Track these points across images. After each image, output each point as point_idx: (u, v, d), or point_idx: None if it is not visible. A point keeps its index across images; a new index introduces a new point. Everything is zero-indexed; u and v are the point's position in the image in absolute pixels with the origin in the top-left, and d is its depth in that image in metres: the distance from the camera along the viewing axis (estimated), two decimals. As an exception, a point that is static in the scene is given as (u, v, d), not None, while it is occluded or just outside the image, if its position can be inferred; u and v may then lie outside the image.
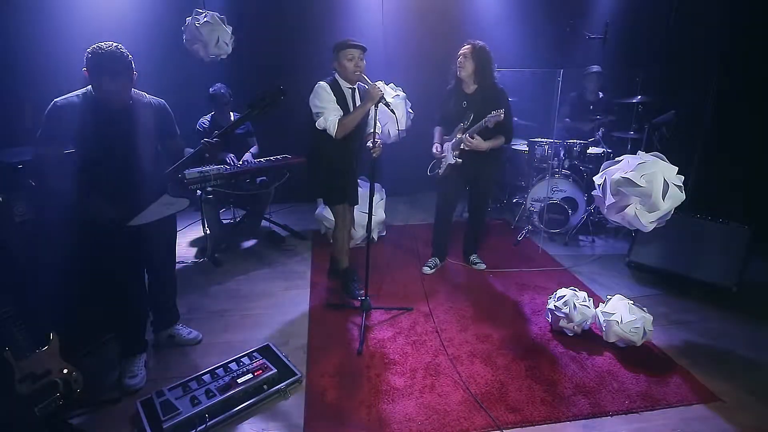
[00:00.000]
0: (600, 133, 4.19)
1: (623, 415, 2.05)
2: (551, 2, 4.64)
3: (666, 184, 2.32)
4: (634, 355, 2.44)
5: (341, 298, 3.01)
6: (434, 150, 3.15)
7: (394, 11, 4.51)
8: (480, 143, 2.91)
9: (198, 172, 3.18)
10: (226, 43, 3.50)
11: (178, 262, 2.84)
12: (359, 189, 3.11)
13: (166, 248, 2.41)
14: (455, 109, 3.03)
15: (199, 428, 1.88)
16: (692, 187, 3.52)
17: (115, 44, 1.89)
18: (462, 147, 2.96)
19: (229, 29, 3.52)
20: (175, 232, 2.44)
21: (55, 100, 1.94)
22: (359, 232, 3.71)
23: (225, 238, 3.82)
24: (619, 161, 2.53)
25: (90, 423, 1.98)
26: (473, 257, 3.52)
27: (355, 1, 4.48)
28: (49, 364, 1.77)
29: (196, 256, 3.72)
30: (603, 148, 4.12)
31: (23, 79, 3.31)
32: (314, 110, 2.59)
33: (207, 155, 2.21)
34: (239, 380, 2.09)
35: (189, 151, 2.37)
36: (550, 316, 2.65)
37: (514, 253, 3.80)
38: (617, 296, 2.59)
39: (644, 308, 2.49)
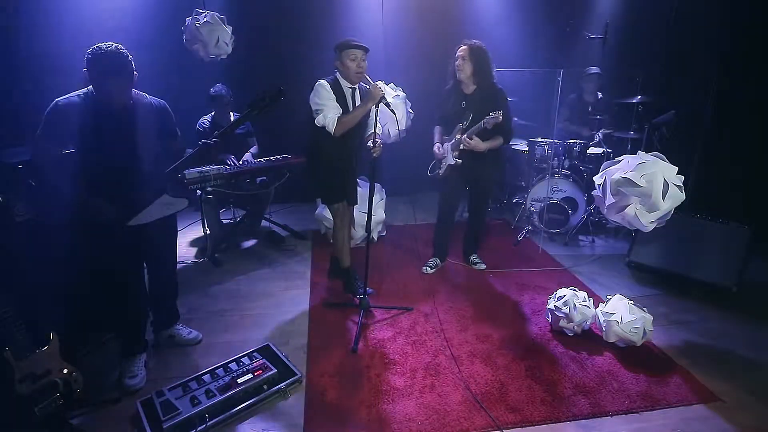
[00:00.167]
0: (600, 134, 4.18)
1: (623, 415, 2.05)
2: (551, 2, 4.64)
3: (666, 184, 2.32)
4: (634, 355, 2.44)
5: (341, 298, 3.01)
6: (435, 150, 3.15)
7: (394, 11, 4.50)
8: (478, 144, 2.91)
9: (198, 172, 3.18)
10: (226, 43, 3.50)
11: (178, 262, 2.83)
12: (359, 189, 3.11)
13: (167, 248, 2.41)
14: (454, 109, 3.03)
15: (199, 428, 1.88)
16: (692, 187, 3.53)
17: (114, 45, 1.89)
18: (461, 147, 2.96)
19: (229, 29, 3.52)
20: (176, 232, 2.44)
21: (56, 99, 1.94)
22: (359, 232, 3.71)
23: (225, 238, 3.82)
24: (619, 161, 2.53)
25: (90, 423, 1.98)
26: (473, 257, 3.52)
27: (355, 1, 4.47)
28: (49, 364, 1.76)
29: (196, 256, 3.72)
30: (603, 148, 4.12)
31: (23, 79, 3.31)
32: (314, 107, 2.60)
33: (207, 155, 2.21)
34: (239, 380, 2.09)
35: (189, 151, 2.37)
36: (550, 316, 2.65)
37: (514, 253, 3.80)
38: (617, 296, 2.59)
39: (644, 308, 2.49)
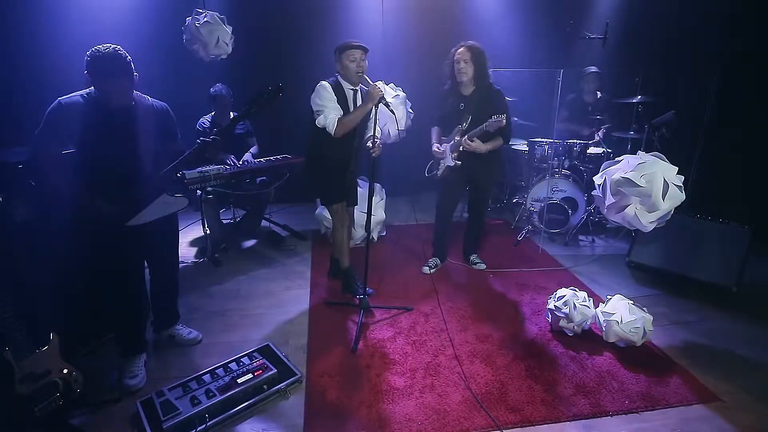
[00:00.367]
0: (600, 133, 4.19)
1: (623, 415, 2.05)
2: (551, 2, 4.64)
3: (666, 184, 2.32)
4: (634, 355, 2.44)
5: (341, 298, 3.02)
6: (434, 149, 3.15)
7: (394, 11, 4.51)
8: (479, 146, 2.91)
9: (198, 172, 3.18)
10: (226, 43, 3.50)
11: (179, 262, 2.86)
12: (359, 189, 3.11)
13: (168, 248, 2.41)
14: (452, 110, 3.03)
15: (199, 428, 1.88)
16: (692, 187, 3.53)
17: (113, 46, 1.89)
18: (461, 148, 2.96)
19: (229, 29, 3.52)
20: (177, 232, 2.45)
21: (59, 98, 1.94)
22: (359, 232, 3.71)
23: (225, 238, 3.82)
24: (619, 161, 2.53)
25: (90, 423, 1.98)
26: (473, 257, 3.52)
27: (355, 1, 4.48)
28: (49, 364, 1.76)
29: (196, 256, 3.72)
30: (603, 148, 4.12)
31: (23, 79, 3.31)
32: (315, 108, 2.60)
33: (206, 155, 2.21)
34: (239, 380, 2.09)
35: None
36: (550, 316, 2.65)
37: (514, 253, 3.80)
38: (617, 296, 2.59)
39: (644, 308, 2.49)
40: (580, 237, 4.09)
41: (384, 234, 4.11)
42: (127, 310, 2.27)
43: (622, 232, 4.05)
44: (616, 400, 2.13)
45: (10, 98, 3.22)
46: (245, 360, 2.25)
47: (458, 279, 3.34)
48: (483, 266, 3.46)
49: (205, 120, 3.72)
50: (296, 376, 2.19)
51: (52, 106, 1.92)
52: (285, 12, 4.44)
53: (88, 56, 1.86)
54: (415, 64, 4.58)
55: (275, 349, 2.35)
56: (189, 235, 4.12)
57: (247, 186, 3.71)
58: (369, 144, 2.64)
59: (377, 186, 3.83)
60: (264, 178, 3.77)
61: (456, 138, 2.99)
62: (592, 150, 4.09)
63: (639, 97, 3.77)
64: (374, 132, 2.57)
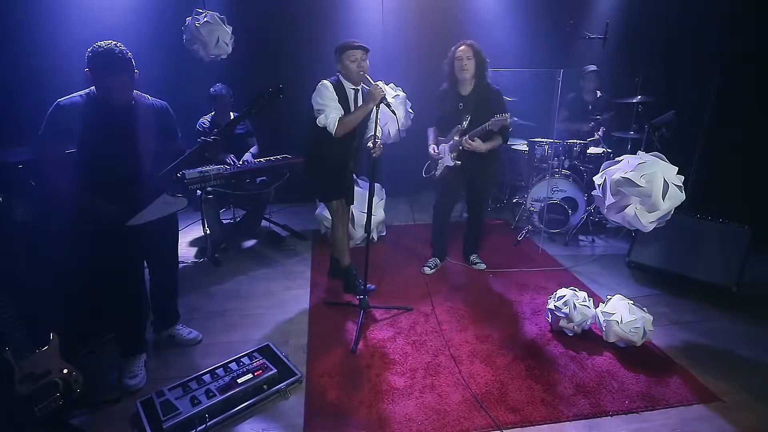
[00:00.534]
0: (600, 132, 4.19)
1: (623, 415, 2.05)
2: (551, 2, 4.64)
3: (666, 184, 2.32)
4: (634, 355, 2.44)
5: (341, 298, 3.02)
6: (431, 151, 3.14)
7: (394, 11, 4.50)
8: (480, 145, 2.91)
9: (198, 172, 3.18)
10: (226, 43, 3.50)
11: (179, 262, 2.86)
12: (359, 189, 3.11)
13: (168, 248, 2.41)
14: (451, 110, 3.02)
15: (199, 428, 1.88)
16: (692, 187, 3.53)
17: (114, 42, 1.89)
18: (461, 149, 2.96)
19: (229, 29, 3.52)
20: (177, 232, 2.45)
21: (58, 100, 1.94)
22: (359, 232, 3.71)
23: (225, 238, 3.82)
24: (619, 161, 2.53)
25: (90, 423, 1.98)
26: (473, 257, 3.52)
27: (355, 1, 4.48)
28: (49, 364, 1.76)
29: (196, 256, 3.72)
30: (603, 148, 4.12)
31: (23, 79, 3.31)
32: (315, 107, 2.60)
33: (206, 155, 2.21)
34: (239, 380, 2.09)
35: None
36: (550, 316, 2.65)
37: (514, 253, 3.80)
38: (617, 296, 2.59)
39: (644, 308, 2.49)
40: (580, 237, 4.09)
41: (384, 234, 4.11)
42: (127, 310, 2.27)
43: (622, 232, 4.05)
44: (616, 400, 2.13)
45: (10, 98, 3.21)
46: (245, 360, 2.25)
47: (458, 279, 3.34)
48: (483, 266, 3.46)
49: (205, 120, 3.72)
50: (296, 376, 2.19)
51: (51, 108, 1.92)
52: (285, 12, 4.44)
53: (89, 52, 1.87)
54: (415, 64, 4.58)
55: (275, 349, 2.35)
56: (189, 235, 4.12)
57: (247, 186, 3.71)
58: (370, 144, 2.64)
59: (377, 186, 3.83)
60: (264, 178, 3.77)
61: (455, 138, 2.99)
62: (592, 150, 4.08)
63: (639, 97, 3.76)
64: (375, 132, 2.57)
